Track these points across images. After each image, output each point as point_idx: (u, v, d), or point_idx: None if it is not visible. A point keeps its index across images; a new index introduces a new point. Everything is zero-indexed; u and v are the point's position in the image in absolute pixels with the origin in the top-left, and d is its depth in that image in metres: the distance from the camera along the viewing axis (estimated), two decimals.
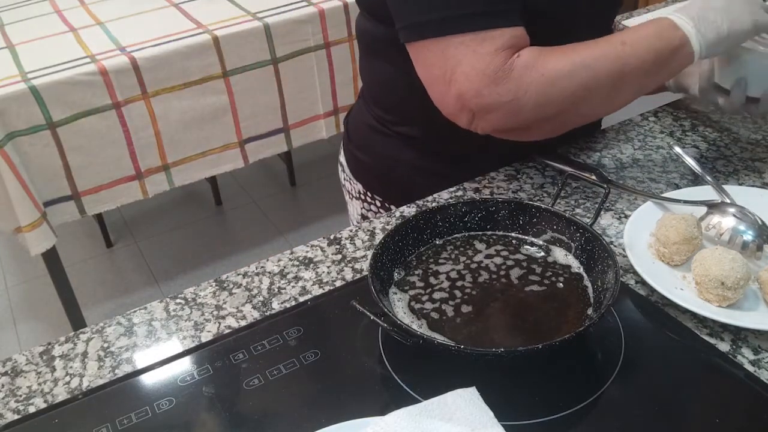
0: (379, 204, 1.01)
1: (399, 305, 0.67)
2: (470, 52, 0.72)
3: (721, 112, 0.91)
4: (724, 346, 0.64)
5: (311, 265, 0.78)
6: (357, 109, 1.03)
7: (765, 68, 0.82)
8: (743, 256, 0.68)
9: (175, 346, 0.69)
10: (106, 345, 0.69)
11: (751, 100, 0.85)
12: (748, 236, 0.73)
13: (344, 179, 1.07)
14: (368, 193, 1.02)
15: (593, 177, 0.85)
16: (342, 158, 1.07)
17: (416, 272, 0.71)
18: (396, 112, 0.94)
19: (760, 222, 0.74)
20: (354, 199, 1.06)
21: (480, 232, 0.76)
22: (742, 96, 0.84)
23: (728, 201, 0.78)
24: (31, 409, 0.63)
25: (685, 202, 0.79)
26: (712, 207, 0.77)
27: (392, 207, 0.98)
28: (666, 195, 0.82)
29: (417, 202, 0.87)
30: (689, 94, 0.94)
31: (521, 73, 0.72)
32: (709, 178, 0.84)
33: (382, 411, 0.57)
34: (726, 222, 0.75)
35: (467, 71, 0.72)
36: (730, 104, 0.86)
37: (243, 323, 0.70)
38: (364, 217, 1.05)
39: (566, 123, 0.80)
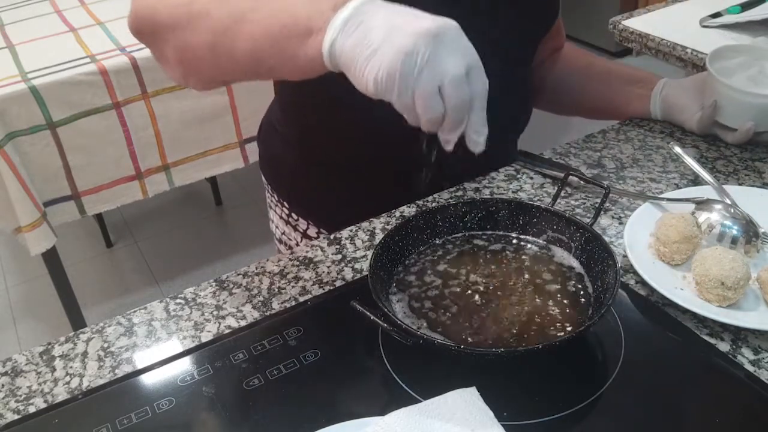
0: (276, 198, 1.04)
1: (399, 305, 0.67)
2: None
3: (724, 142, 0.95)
4: (724, 346, 0.64)
5: (311, 265, 0.78)
6: (270, 105, 1.05)
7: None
8: (737, 251, 0.68)
9: (175, 346, 0.69)
10: (106, 345, 0.69)
11: (756, 133, 0.90)
12: (735, 231, 0.74)
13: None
14: (268, 185, 1.05)
15: (589, 177, 0.85)
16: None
17: (416, 272, 0.71)
18: (284, 111, 0.96)
19: (747, 218, 0.75)
20: (264, 189, 1.09)
21: (480, 232, 0.76)
22: (749, 133, 0.89)
23: (714, 198, 0.79)
24: (31, 409, 0.63)
25: (669, 200, 0.80)
26: (700, 204, 0.78)
27: (283, 202, 1.02)
28: (665, 195, 0.82)
29: (417, 202, 0.87)
30: (682, 126, 0.99)
31: None
32: (709, 178, 0.84)
33: (382, 411, 0.57)
34: (714, 218, 0.76)
35: None
36: (736, 139, 0.92)
37: (243, 323, 0.70)
38: (270, 207, 1.07)
39: (183, 49, 0.68)
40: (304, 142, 0.95)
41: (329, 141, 0.91)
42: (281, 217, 1.04)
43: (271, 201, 1.06)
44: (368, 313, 0.61)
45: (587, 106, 1.07)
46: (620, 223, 0.81)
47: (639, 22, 1.40)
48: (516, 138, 1.02)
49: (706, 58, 0.93)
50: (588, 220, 0.76)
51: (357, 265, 0.77)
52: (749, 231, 0.74)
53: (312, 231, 0.99)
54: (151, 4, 0.70)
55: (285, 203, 1.02)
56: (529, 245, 0.74)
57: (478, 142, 0.59)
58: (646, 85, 1.00)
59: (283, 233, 1.05)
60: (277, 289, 0.75)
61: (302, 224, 1.00)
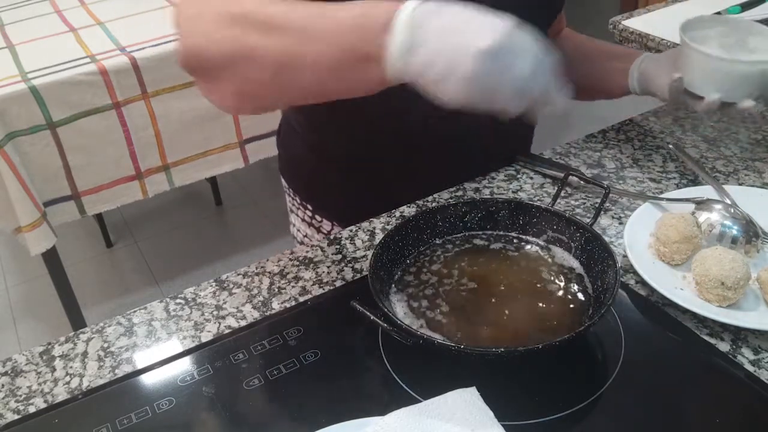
0: (298, 201, 1.03)
1: (399, 305, 0.67)
2: None
3: (694, 112, 0.90)
4: (724, 346, 0.64)
5: (311, 265, 0.78)
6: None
7: (738, 76, 0.80)
8: (737, 251, 0.68)
9: (175, 346, 0.69)
10: (106, 345, 0.69)
11: (726, 104, 0.82)
12: (735, 231, 0.74)
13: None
14: (289, 188, 1.05)
15: (590, 176, 0.85)
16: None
17: (416, 272, 0.71)
18: (303, 112, 0.96)
19: (747, 218, 0.75)
20: (285, 192, 1.08)
21: (480, 232, 0.76)
22: (716, 102, 0.81)
23: (715, 198, 0.79)
24: (31, 409, 0.63)
25: (669, 200, 0.80)
26: (700, 204, 0.78)
27: (306, 204, 1.01)
28: (665, 195, 0.82)
29: (417, 202, 0.87)
30: (656, 97, 0.92)
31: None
32: (709, 178, 0.84)
33: (382, 411, 0.57)
34: (714, 218, 0.76)
35: None
36: (703, 109, 0.83)
37: (243, 323, 0.70)
38: (291, 211, 1.07)
39: (241, 83, 0.67)
40: (325, 141, 0.94)
41: (350, 140, 0.91)
42: (303, 220, 1.03)
43: (293, 204, 1.05)
44: (368, 313, 0.61)
45: (576, 85, 1.05)
46: (620, 223, 0.81)
47: (639, 22, 1.40)
48: (529, 131, 1.00)
49: (680, 24, 0.86)
50: (588, 220, 0.76)
51: (357, 265, 0.77)
52: (749, 231, 0.74)
53: (336, 232, 0.99)
54: (196, 41, 0.68)
55: (308, 205, 1.01)
56: (529, 245, 0.74)
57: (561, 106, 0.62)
58: (627, 59, 0.96)
59: (305, 236, 1.04)
60: (277, 289, 0.75)
61: (326, 225, 1.00)
